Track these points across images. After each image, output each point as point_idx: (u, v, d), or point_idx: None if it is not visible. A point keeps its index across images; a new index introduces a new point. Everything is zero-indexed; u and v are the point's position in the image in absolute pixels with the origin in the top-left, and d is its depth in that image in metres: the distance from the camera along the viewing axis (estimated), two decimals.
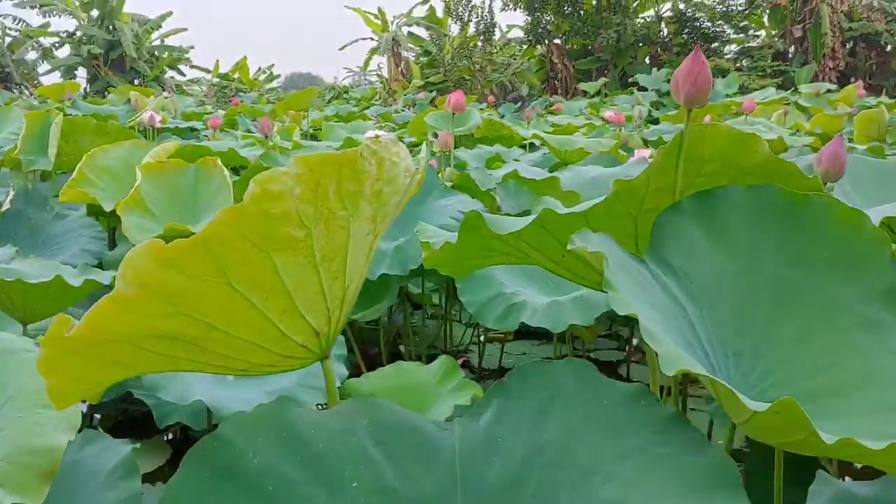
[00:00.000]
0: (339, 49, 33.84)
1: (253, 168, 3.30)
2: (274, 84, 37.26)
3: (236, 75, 34.03)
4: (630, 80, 20.69)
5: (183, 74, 37.34)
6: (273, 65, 37.67)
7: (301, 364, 1.09)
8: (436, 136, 6.23)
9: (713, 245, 1.20)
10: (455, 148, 5.14)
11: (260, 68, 37.13)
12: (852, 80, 20.18)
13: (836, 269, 1.18)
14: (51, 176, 4.69)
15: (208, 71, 34.85)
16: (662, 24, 26.12)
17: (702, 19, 24.94)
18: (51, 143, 4.20)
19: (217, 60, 34.11)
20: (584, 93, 22.27)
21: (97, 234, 3.71)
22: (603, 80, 22.03)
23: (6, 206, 3.53)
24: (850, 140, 6.23)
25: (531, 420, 1.02)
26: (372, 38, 32.25)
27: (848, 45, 23.63)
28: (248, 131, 7.39)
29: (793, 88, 12.95)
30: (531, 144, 6.50)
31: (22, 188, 3.96)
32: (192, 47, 36.57)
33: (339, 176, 0.96)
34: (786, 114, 6.73)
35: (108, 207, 3.24)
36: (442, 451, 1.04)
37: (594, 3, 26.44)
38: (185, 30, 37.43)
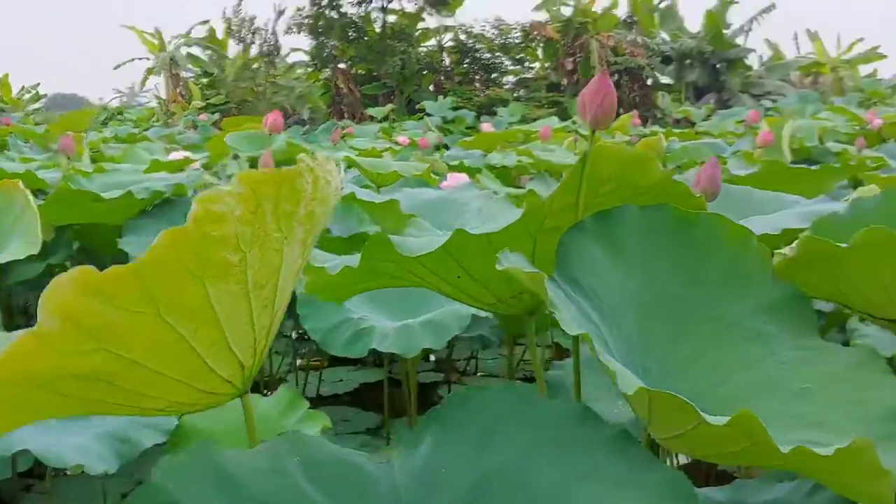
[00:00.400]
0: (114, 68, 32.12)
1: (62, 191, 3.04)
2: (38, 105, 34.69)
3: None
4: (417, 106, 21.17)
5: None
6: (39, 84, 35.12)
7: (221, 401, 1.01)
8: (236, 157, 6.06)
9: (614, 264, 1.24)
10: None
11: (24, 87, 34.47)
12: (621, 111, 21.80)
13: (726, 287, 1.25)
14: None
15: None
16: (444, 54, 26.98)
17: (482, 50, 26.03)
18: None
19: None
20: (372, 117, 22.53)
21: None
22: (390, 105, 22.40)
23: None
24: None
25: (475, 447, 0.99)
26: (148, 58, 30.87)
27: (614, 78, 25.50)
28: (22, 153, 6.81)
29: (571, 119, 13.80)
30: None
31: None
32: None
33: (277, 195, 0.90)
34: (576, 141, 7.13)
35: None
36: (381, 485, 0.99)
37: (378, 30, 26.88)
38: None
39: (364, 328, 2.50)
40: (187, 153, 4.75)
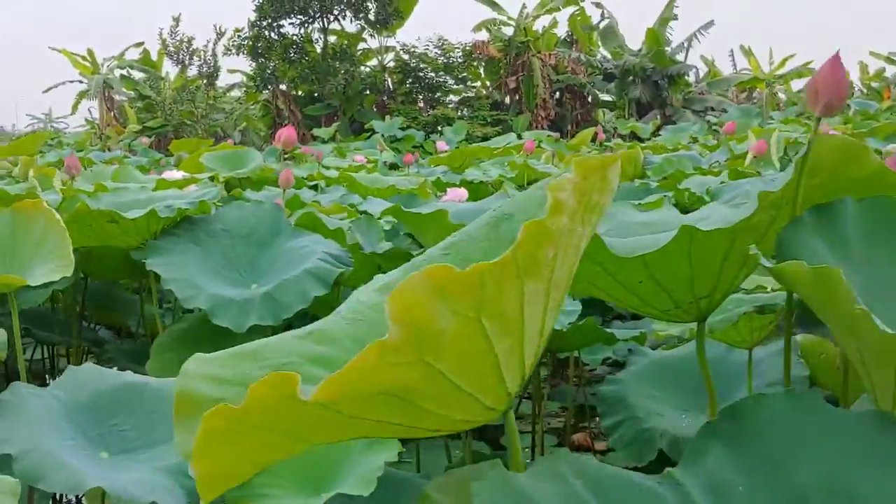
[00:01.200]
0: (44, 91, 31.24)
1: (79, 212, 2.84)
2: None
3: None
4: (366, 125, 21.02)
5: None
6: None
7: (492, 418, 0.90)
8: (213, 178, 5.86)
9: (836, 258, 1.16)
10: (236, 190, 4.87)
11: None
12: (568, 128, 22.08)
13: None
14: None
15: None
16: (386, 74, 26.90)
17: (425, 70, 26.01)
18: None
19: None
20: (315, 137, 22.31)
21: None
22: (336, 125, 22.21)
23: None
24: None
25: (773, 461, 0.90)
26: (81, 81, 30.08)
27: (556, 96, 25.80)
28: None
29: (517, 135, 13.91)
30: (315, 185, 6.32)
31: None
32: None
33: (599, 185, 0.79)
34: (553, 155, 7.12)
35: None
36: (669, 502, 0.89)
37: (318, 50, 26.67)
38: None
39: None
40: (183, 172, 4.56)
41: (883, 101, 20.42)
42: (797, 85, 26.94)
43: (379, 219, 3.62)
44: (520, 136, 15.61)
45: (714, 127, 17.39)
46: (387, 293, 0.68)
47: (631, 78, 23.84)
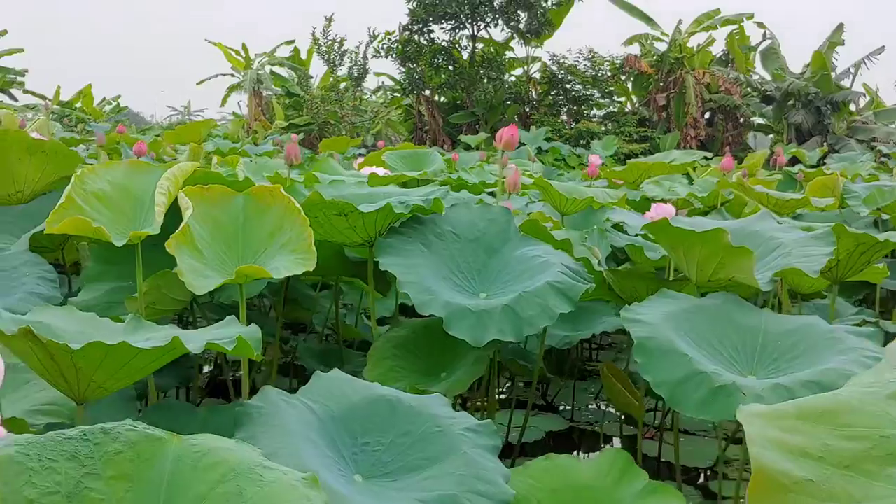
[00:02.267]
0: (198, 84, 32.48)
1: (311, 202, 2.63)
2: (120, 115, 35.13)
3: (79, 104, 31.90)
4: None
5: (15, 99, 34.50)
6: (120, 95, 35.74)
7: None
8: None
9: None
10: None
11: (105, 98, 35.05)
12: (724, 149, 21.19)
13: None
14: None
15: (44, 97, 32.32)
16: (531, 85, 26.59)
17: (573, 82, 25.57)
18: None
19: (58, 87, 31.95)
20: (458, 143, 22.25)
21: (45, 273, 2.95)
22: (484, 134, 22.07)
23: None
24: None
25: None
26: (233, 75, 31.07)
27: (706, 116, 24.87)
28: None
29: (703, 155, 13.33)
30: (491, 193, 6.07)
31: None
32: (26, 70, 33.93)
33: None
34: (745, 176, 6.64)
35: (118, 242, 2.49)
36: None
37: (465, 56, 26.63)
38: (21, 51, 34.72)
39: (723, 385, 2.02)
40: (374, 167, 4.37)
41: None
42: None
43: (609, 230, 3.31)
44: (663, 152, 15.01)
45: (883, 158, 16.28)
46: None
47: (791, 102, 22.69)
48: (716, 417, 1.96)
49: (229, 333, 1.78)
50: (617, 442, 3.99)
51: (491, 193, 5.91)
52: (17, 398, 2.11)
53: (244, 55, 30.34)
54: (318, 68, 28.71)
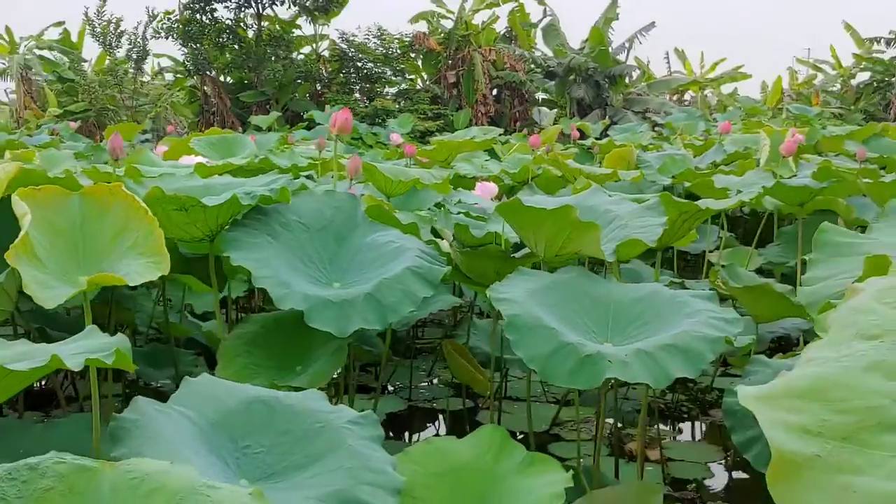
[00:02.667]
0: None
1: (152, 197, 2.48)
2: None
3: None
4: (306, 115, 20.49)
5: None
6: None
7: None
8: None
9: None
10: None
11: None
12: (513, 125, 21.97)
13: None
14: None
15: None
16: (321, 63, 26.31)
17: (364, 60, 25.54)
18: None
19: None
20: (247, 125, 21.69)
21: None
22: (276, 114, 21.57)
23: None
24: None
25: None
26: None
27: (494, 93, 25.69)
28: None
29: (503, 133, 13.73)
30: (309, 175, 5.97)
31: None
32: None
33: None
34: (549, 151, 6.95)
35: None
36: None
37: (251, 35, 25.92)
38: None
39: (590, 355, 2.13)
40: (200, 157, 4.19)
41: (813, 105, 21.05)
42: (727, 89, 27.60)
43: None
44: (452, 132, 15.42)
45: (658, 128, 17.55)
46: None
47: (573, 77, 23.91)
48: (585, 385, 2.06)
49: (100, 346, 1.67)
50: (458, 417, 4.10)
51: (308, 177, 5.83)
52: None
53: (8, 38, 27.89)
54: (92, 51, 26.89)
